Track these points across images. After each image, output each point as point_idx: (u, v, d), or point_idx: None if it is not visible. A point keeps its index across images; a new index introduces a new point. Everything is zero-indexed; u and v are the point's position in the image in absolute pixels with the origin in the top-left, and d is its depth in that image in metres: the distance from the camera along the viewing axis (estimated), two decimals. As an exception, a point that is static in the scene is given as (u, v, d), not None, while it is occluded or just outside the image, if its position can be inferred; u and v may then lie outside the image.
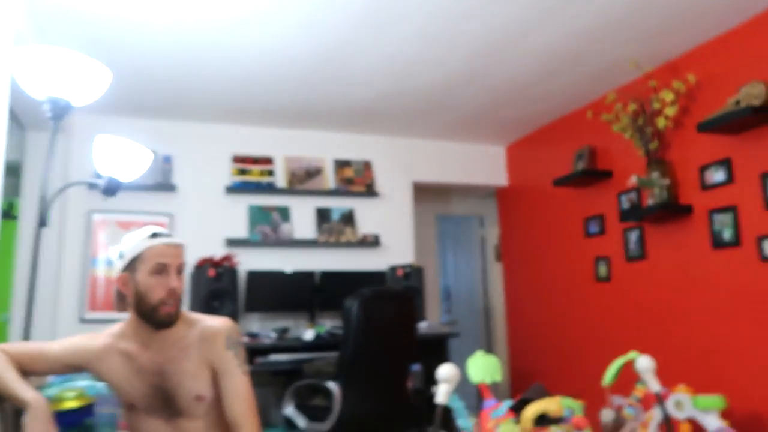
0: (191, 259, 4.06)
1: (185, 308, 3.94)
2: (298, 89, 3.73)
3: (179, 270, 1.55)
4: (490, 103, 4.05)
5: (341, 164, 4.61)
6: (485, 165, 5.06)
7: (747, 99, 2.77)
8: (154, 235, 1.54)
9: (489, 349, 5.56)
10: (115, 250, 1.59)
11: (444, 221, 6.03)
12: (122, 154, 2.39)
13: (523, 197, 4.84)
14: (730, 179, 3.00)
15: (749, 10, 2.86)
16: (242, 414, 1.52)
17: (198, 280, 3.73)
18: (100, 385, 1.87)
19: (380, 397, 2.96)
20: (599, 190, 3.96)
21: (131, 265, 1.53)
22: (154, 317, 1.51)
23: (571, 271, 4.20)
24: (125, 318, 1.60)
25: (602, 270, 3.88)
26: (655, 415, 2.76)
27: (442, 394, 1.91)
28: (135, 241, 1.54)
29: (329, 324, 4.31)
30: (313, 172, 4.51)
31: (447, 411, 3.56)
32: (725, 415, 2.97)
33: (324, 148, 4.61)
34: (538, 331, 4.55)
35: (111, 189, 2.37)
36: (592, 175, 3.83)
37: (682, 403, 2.72)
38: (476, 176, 5.01)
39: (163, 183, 4.06)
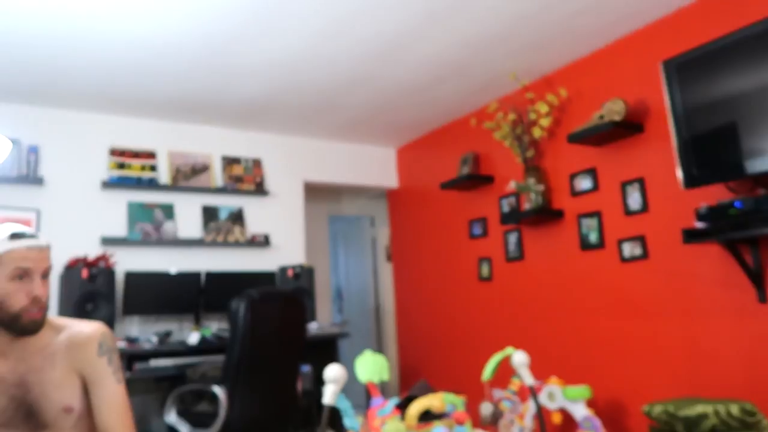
0: (62, 259, 3.75)
1: (53, 313, 3.63)
2: (184, 80, 3.57)
3: (44, 275, 1.43)
4: (380, 106, 4.13)
5: (230, 161, 4.47)
6: (376, 166, 5.14)
7: (609, 114, 3.05)
8: (15, 236, 1.40)
9: (380, 348, 5.65)
10: (-33, 249, 1.42)
11: (335, 221, 6.05)
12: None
13: (413, 199, 4.98)
14: (595, 187, 3.29)
15: (612, 34, 3.16)
16: (115, 425, 1.44)
17: (69, 281, 3.46)
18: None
19: (268, 400, 2.91)
20: (482, 194, 4.17)
21: (-14, 268, 1.38)
22: (15, 326, 1.38)
23: (456, 271, 4.39)
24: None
25: (485, 270, 4.09)
26: (530, 406, 2.96)
27: (329, 394, 1.92)
28: (-9, 242, 1.39)
29: (215, 326, 4.17)
30: (199, 169, 4.34)
31: (335, 411, 3.58)
32: (591, 403, 3.25)
33: (211, 143, 4.45)
34: (426, 329, 4.70)
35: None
36: (476, 179, 4.03)
37: (554, 395, 2.94)
38: (367, 177, 5.08)
39: (28, 175, 3.71)
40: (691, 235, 2.51)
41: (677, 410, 2.30)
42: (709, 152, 2.49)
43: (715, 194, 2.69)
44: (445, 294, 4.49)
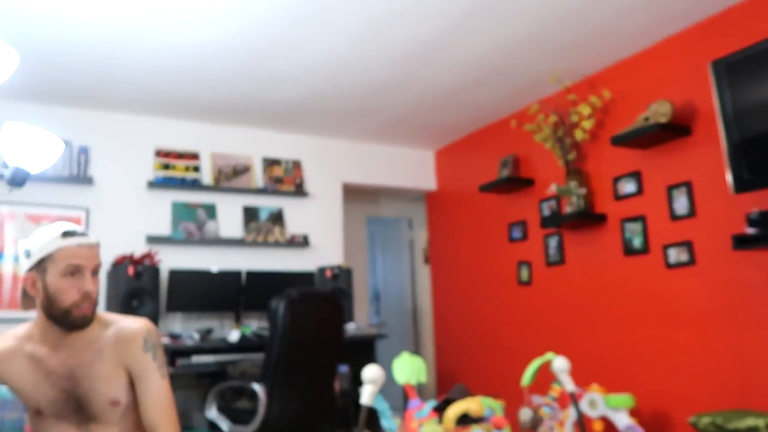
0: (109, 256, 3.87)
1: (101, 309, 3.76)
2: (227, 84, 3.65)
3: (94, 271, 1.47)
4: (419, 108, 4.13)
5: (270, 163, 4.54)
6: (414, 168, 5.14)
7: (655, 116, 2.97)
8: (66, 234, 1.45)
9: (416, 350, 5.64)
10: (22, 246, 1.48)
11: (373, 223, 6.07)
12: (31, 142, 2.25)
13: (451, 201, 4.95)
14: (639, 191, 3.20)
15: (658, 34, 3.07)
16: (160, 419, 1.47)
17: (116, 278, 3.57)
18: (4, 390, 1.76)
19: (306, 399, 2.94)
20: (522, 197, 4.11)
21: (40, 265, 1.43)
22: (66, 320, 1.43)
23: (495, 274, 4.34)
24: (32, 318, 1.51)
25: (524, 274, 4.04)
26: (570, 413, 2.90)
27: (367, 395, 1.93)
28: (45, 240, 1.43)
29: (255, 325, 4.24)
30: (240, 170, 4.42)
31: (373, 412, 3.59)
32: (634, 413, 3.17)
33: (253, 145, 4.53)
34: (463, 332, 4.67)
35: (17, 180, 2.22)
36: (516, 182, 3.98)
37: (595, 402, 2.87)
38: (406, 179, 5.08)
39: (78, 175, 3.86)
40: (741, 242, 2.42)
41: (726, 422, 2.22)
42: (761, 155, 2.40)
43: (767, 199, 2.58)
44: (484, 297, 4.45)
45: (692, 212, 2.92)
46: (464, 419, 2.06)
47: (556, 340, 3.73)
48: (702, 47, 2.93)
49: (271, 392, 2.84)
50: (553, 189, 3.41)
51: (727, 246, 2.76)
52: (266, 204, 4.48)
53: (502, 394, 4.18)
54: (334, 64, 3.37)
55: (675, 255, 2.99)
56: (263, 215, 4.42)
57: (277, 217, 4.46)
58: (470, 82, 3.66)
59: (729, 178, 2.50)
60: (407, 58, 3.29)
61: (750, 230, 2.40)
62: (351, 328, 4.08)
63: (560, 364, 2.58)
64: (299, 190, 4.53)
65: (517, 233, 4.14)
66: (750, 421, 2.17)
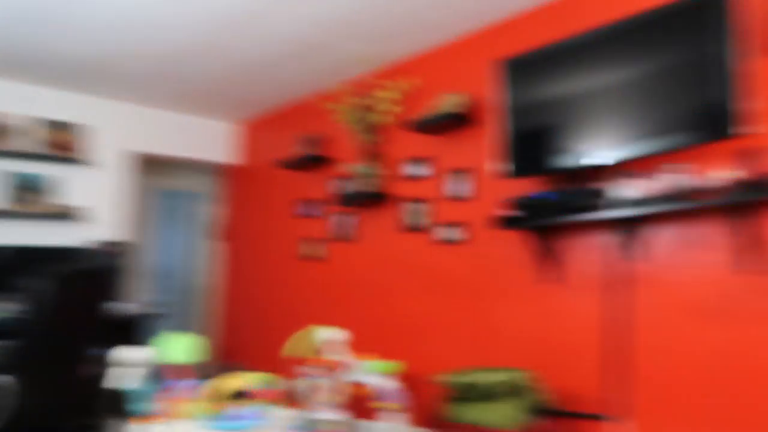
0: None
1: None
2: (2, 33, 3.11)
3: None
4: (225, 79, 3.95)
5: (51, 125, 4.00)
6: (214, 141, 4.93)
7: (448, 106, 3.18)
8: None
9: (202, 328, 5.41)
10: None
11: (167, 196, 5.67)
12: None
13: (250, 177, 4.90)
14: (428, 174, 3.43)
15: (456, 29, 3.27)
16: None
17: None
18: None
19: (63, 387, 2.65)
20: (320, 176, 4.18)
21: None
22: None
23: (287, 251, 4.39)
24: None
25: (314, 250, 4.12)
26: (339, 380, 2.99)
27: (126, 377, 1.78)
28: None
29: (15, 307, 3.72)
30: (12, 131, 3.83)
31: (133, 395, 3.36)
32: (405, 377, 3.42)
33: (30, 104, 3.95)
34: (251, 310, 4.71)
35: None
36: (316, 160, 4.03)
37: (363, 369, 3.01)
38: (204, 152, 4.85)
39: None
40: (504, 222, 2.72)
41: (461, 378, 2.51)
42: (530, 147, 2.69)
43: (537, 186, 2.91)
44: (275, 274, 4.48)
45: (471, 195, 3.19)
46: (237, 396, 2.01)
47: (342, 312, 3.88)
48: (496, 45, 3.18)
49: (23, 383, 2.50)
50: (349, 168, 3.49)
51: (494, 225, 3.08)
52: (41, 171, 3.94)
53: (283, 368, 4.24)
54: (135, 22, 3.05)
55: (451, 233, 3.26)
56: (36, 183, 3.88)
57: (53, 186, 3.95)
58: (281, 57, 3.58)
59: (502, 166, 2.78)
60: (219, 24, 3.10)
61: (513, 212, 2.70)
62: (128, 307, 3.79)
63: (327, 335, 2.66)
64: (82, 158, 4.07)
65: (310, 210, 4.21)
66: (485, 376, 2.45)
